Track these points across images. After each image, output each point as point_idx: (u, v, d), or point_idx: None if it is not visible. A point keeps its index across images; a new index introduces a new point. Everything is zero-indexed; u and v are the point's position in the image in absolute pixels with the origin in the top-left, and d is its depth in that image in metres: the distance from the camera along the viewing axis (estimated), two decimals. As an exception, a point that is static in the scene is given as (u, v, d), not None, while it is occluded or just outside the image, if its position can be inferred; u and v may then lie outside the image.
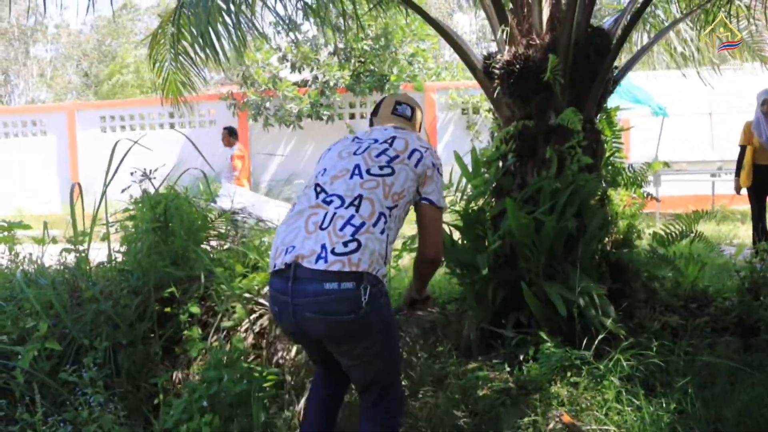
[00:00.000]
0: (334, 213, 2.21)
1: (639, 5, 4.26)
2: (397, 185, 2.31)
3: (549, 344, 3.54)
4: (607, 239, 4.31)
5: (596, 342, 3.52)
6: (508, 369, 3.67)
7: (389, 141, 2.42)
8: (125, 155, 3.86)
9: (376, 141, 2.44)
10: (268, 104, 12.92)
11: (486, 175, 4.35)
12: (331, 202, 2.25)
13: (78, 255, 4.18)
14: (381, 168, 2.33)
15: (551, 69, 3.86)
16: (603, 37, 4.36)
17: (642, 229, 4.54)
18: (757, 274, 4.68)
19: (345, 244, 2.14)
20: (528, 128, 4.22)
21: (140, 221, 3.70)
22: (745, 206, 11.44)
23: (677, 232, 4.49)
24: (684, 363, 3.44)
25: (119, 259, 3.96)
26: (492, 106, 4.58)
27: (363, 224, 2.18)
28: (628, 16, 4.43)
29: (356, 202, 2.23)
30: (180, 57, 5.48)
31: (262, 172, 13.83)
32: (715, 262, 5.46)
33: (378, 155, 2.37)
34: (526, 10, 4.32)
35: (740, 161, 6.53)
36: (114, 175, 3.72)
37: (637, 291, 4.28)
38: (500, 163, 4.32)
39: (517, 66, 4.13)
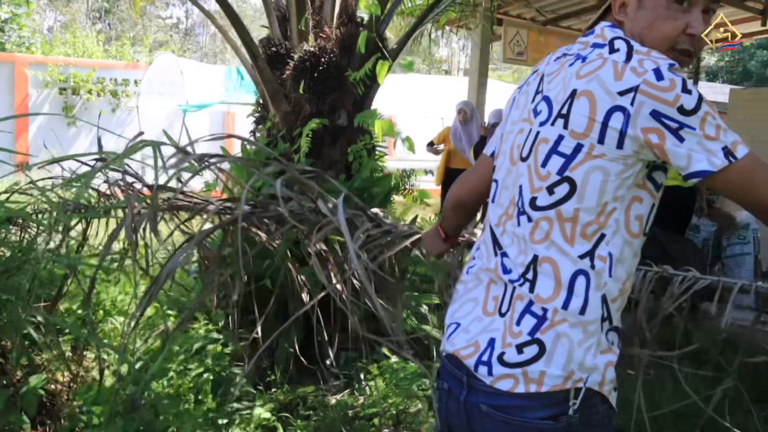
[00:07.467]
0: (513, 290, 1.36)
1: (422, 13, 4.32)
2: (589, 207, 1.28)
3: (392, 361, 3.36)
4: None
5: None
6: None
7: (565, 110, 1.29)
8: None
9: (549, 106, 1.34)
10: None
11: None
12: (505, 268, 1.38)
13: None
14: (551, 190, 1.30)
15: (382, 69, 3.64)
16: (383, 39, 4.30)
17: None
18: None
19: (520, 348, 1.31)
20: (325, 127, 3.92)
21: None
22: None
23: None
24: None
25: None
26: (269, 98, 4.10)
27: (545, 313, 1.30)
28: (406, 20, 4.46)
29: (530, 274, 1.33)
30: None
31: None
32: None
33: (546, 159, 1.31)
34: (318, 1, 4.01)
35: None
36: None
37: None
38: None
39: (323, 60, 3.79)
